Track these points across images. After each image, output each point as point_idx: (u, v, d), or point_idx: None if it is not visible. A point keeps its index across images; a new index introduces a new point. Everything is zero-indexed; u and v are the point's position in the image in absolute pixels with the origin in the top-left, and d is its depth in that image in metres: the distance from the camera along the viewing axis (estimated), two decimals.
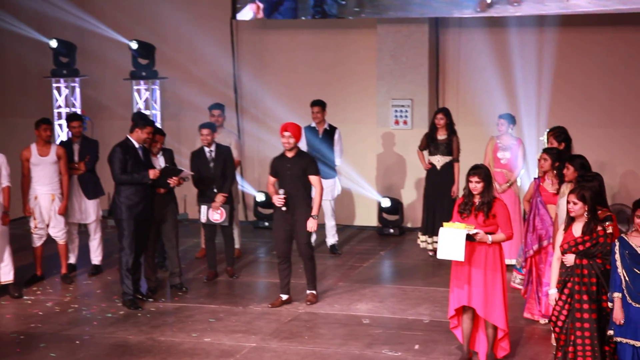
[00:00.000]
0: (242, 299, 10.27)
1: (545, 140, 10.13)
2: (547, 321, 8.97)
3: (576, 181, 7.89)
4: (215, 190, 10.74)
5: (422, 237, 11.90)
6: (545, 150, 9.05)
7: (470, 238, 7.84)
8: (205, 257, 11.25)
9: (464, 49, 13.38)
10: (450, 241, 7.84)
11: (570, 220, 7.33)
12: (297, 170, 9.74)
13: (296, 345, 8.75)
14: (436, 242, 11.64)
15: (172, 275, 10.54)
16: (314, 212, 9.76)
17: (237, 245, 11.95)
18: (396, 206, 13.16)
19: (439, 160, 11.72)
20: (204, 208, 10.76)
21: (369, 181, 13.62)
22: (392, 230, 13.12)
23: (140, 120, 10.13)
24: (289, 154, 9.82)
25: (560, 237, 7.39)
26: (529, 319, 9.14)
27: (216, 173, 10.74)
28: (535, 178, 9.20)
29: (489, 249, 7.92)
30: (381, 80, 13.49)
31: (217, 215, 10.75)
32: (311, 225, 9.75)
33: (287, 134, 9.72)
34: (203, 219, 10.82)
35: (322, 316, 9.60)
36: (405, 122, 13.45)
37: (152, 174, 9.89)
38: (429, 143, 11.77)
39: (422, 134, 13.09)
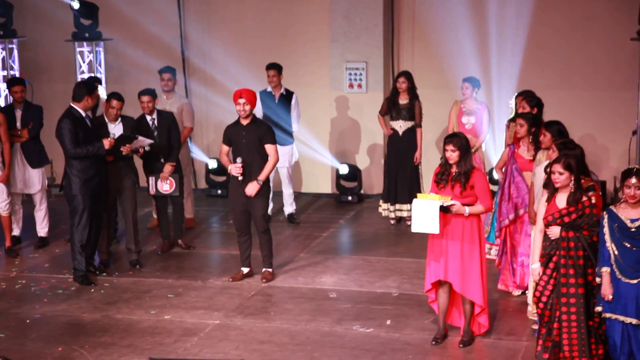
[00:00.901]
0: (200, 272, 9.81)
1: (514, 105, 9.84)
2: (520, 293, 8.73)
3: (558, 149, 7.57)
4: (162, 160, 10.19)
5: (383, 205, 11.53)
6: (521, 115, 8.70)
7: (446, 210, 7.51)
8: (158, 227, 10.74)
9: (419, 9, 12.99)
10: (424, 213, 7.48)
11: (554, 190, 7.02)
12: (253, 139, 9.23)
13: (262, 321, 8.34)
14: (398, 210, 11.42)
15: (129, 251, 10.00)
16: (261, 177, 9.21)
17: (190, 215, 11.48)
18: (354, 173, 12.78)
19: (401, 126, 11.32)
20: (151, 179, 10.21)
21: (323, 147, 13.21)
22: (350, 198, 12.74)
23: (88, 86, 9.51)
24: (244, 122, 9.30)
25: (542, 208, 7.08)
26: (503, 291, 8.84)
27: (161, 142, 10.17)
28: (509, 144, 8.88)
29: (466, 222, 7.57)
30: (334, 42, 13.04)
31: (166, 186, 10.21)
32: (251, 189, 9.17)
33: (242, 100, 9.19)
34: (152, 191, 10.27)
35: (287, 290, 9.19)
36: (359, 86, 13.04)
37: (108, 143, 9.31)
38: (390, 108, 11.36)
39: (377, 98, 12.80)
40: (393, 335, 7.97)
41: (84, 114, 9.37)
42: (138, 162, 10.26)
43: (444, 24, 12.75)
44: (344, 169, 12.76)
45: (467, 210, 7.52)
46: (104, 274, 9.69)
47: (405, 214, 11.31)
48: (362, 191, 12.92)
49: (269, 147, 9.29)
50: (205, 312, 8.59)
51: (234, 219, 9.56)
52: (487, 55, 12.54)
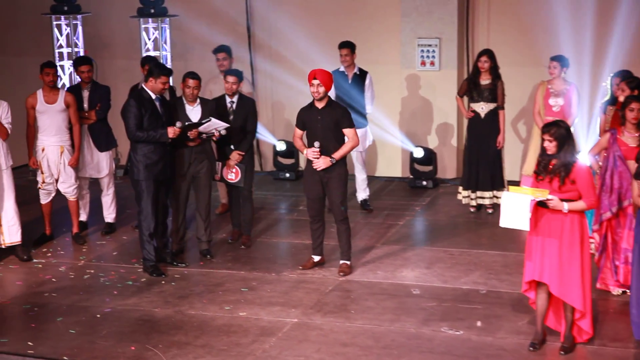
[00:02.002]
0: (273, 263, 9.36)
1: (609, 86, 9.20)
2: (621, 292, 8.15)
3: None
4: (232, 147, 9.70)
5: (463, 192, 10.96)
6: (634, 98, 8.00)
7: (543, 204, 6.97)
8: (229, 213, 10.30)
9: None
10: (514, 208, 6.94)
11: None
12: (329, 122, 8.73)
13: (343, 321, 7.86)
14: (480, 197, 10.87)
15: (199, 241, 9.58)
16: (336, 154, 8.70)
17: None
18: (429, 156, 12.19)
19: (483, 108, 10.72)
20: (218, 165, 9.70)
21: (394, 127, 12.67)
22: (425, 183, 12.18)
23: (155, 68, 8.99)
24: (319, 104, 8.80)
25: None
26: (602, 290, 8.25)
27: (235, 126, 9.61)
28: (608, 130, 8.25)
29: (565, 219, 7.00)
30: (406, 17, 12.47)
31: (231, 175, 9.69)
32: (321, 162, 8.68)
33: (315, 82, 8.67)
34: (217, 176, 9.77)
35: (366, 285, 8.71)
36: (432, 63, 12.46)
37: (172, 132, 8.84)
38: (471, 89, 10.73)
39: (451, 76, 12.26)
40: (485, 339, 7.44)
41: (153, 96, 8.95)
42: None
43: None
44: (419, 152, 12.18)
45: (565, 206, 6.97)
46: (183, 264, 9.28)
47: (487, 202, 10.76)
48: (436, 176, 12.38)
49: (348, 132, 8.80)
50: (282, 309, 8.15)
51: (308, 204, 9.09)
52: (572, 31, 11.82)
